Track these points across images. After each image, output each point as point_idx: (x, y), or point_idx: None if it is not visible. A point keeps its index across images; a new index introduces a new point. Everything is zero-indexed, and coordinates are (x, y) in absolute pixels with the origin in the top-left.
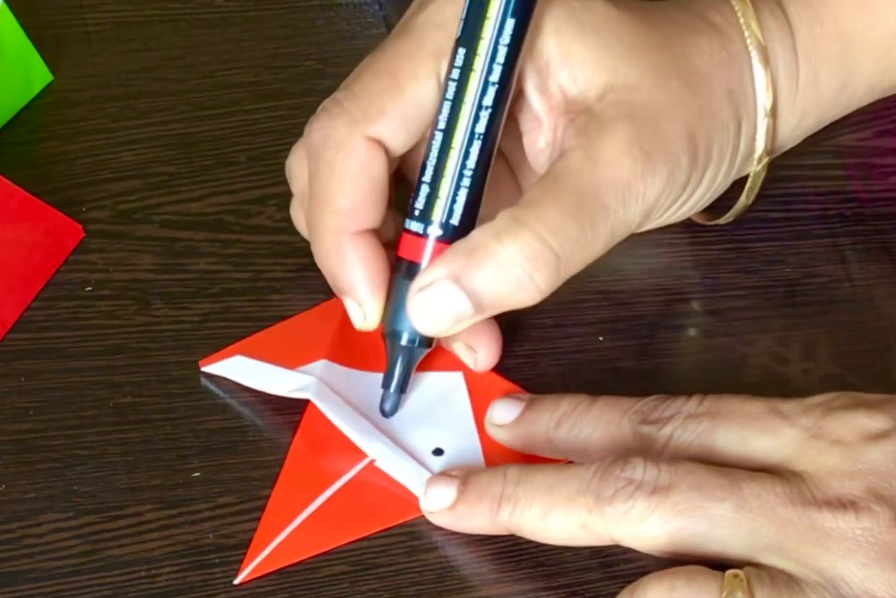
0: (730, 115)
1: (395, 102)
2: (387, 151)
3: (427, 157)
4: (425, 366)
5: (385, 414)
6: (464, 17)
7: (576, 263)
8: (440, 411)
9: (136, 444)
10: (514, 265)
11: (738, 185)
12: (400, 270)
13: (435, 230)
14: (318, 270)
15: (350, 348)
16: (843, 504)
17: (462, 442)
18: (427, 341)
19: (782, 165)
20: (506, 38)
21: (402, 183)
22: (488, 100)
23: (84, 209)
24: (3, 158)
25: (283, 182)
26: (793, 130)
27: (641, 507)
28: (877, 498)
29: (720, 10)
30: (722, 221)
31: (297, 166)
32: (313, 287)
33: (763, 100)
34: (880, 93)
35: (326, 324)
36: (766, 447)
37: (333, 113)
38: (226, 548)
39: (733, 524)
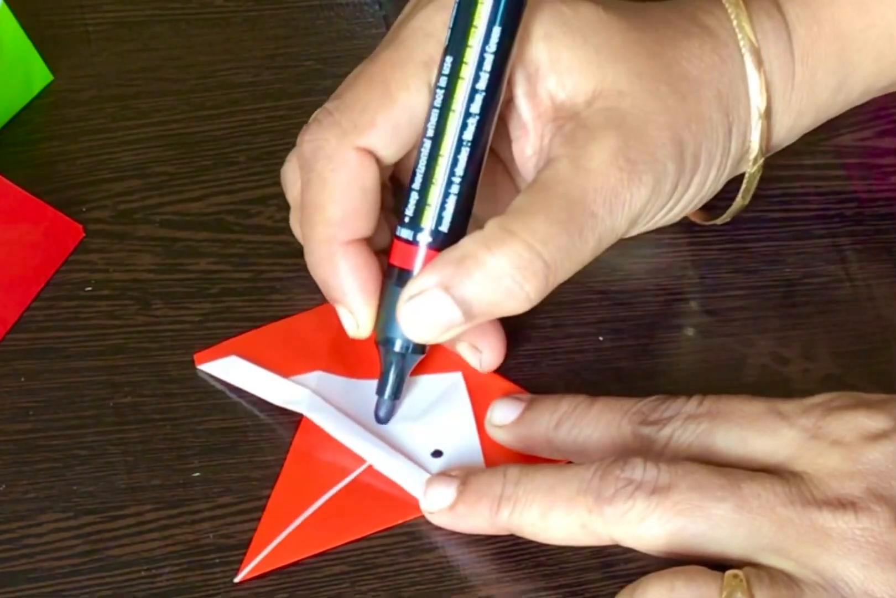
0: (719, 119)
1: (386, 112)
2: (378, 161)
3: (416, 164)
4: (424, 368)
5: (380, 421)
6: (451, 25)
7: (564, 270)
8: (440, 413)
9: (136, 444)
10: (503, 275)
11: (735, 184)
12: (392, 278)
13: (425, 237)
14: None
15: (346, 356)
16: (842, 504)
17: (462, 443)
18: (420, 348)
19: (782, 165)
20: (492, 46)
21: (400, 188)
22: (475, 107)
23: (84, 209)
24: (3, 158)
25: None
26: (788, 130)
27: (641, 507)
28: (877, 498)
29: (712, 13)
30: (719, 221)
31: (290, 176)
32: (313, 287)
33: (757, 102)
34: (876, 92)
35: (323, 329)
36: (765, 448)
37: (324, 124)
38: (226, 548)
39: (733, 524)
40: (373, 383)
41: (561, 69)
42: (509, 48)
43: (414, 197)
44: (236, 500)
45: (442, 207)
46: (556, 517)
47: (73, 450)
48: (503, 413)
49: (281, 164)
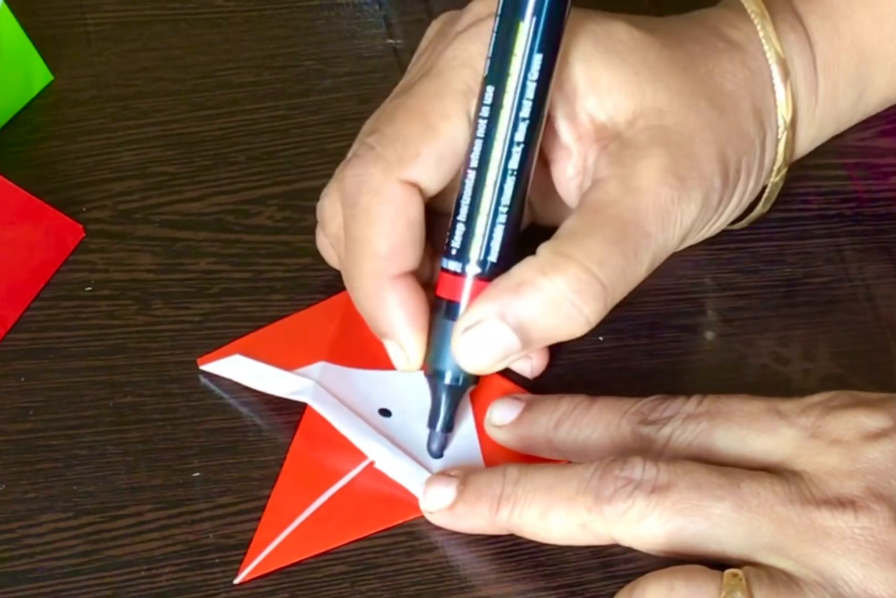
0: (756, 132)
1: (429, 143)
2: (421, 193)
3: (461, 195)
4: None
5: (433, 455)
6: (490, 54)
7: (621, 291)
8: None
9: (136, 444)
10: (562, 299)
11: None
12: (440, 310)
13: (473, 269)
14: (318, 271)
15: (349, 347)
16: (842, 503)
17: (462, 442)
18: (472, 379)
19: None
20: (534, 74)
21: (434, 218)
22: (520, 136)
23: (84, 209)
24: (3, 158)
25: (283, 182)
26: (811, 141)
27: (640, 506)
28: (876, 497)
29: (738, 27)
30: (736, 227)
31: (330, 210)
32: (313, 287)
33: (783, 113)
34: (889, 102)
35: (325, 323)
36: (765, 447)
37: (367, 158)
38: (226, 548)
39: (732, 523)
40: (377, 373)
41: (600, 90)
42: (550, 74)
43: (460, 228)
44: (236, 500)
45: (490, 237)
46: (556, 516)
47: (73, 450)
48: (502, 413)
49: (281, 164)
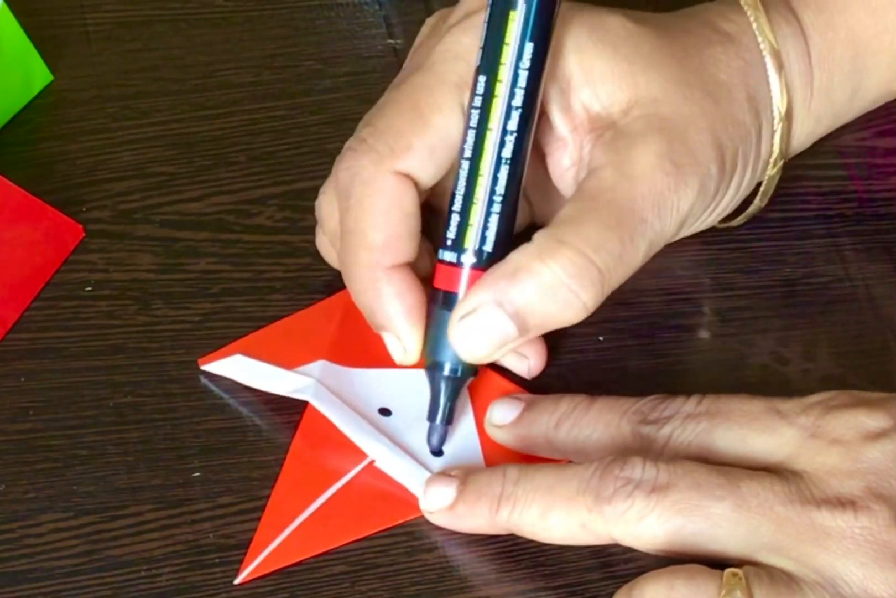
0: (752, 121)
1: (421, 135)
2: (416, 185)
3: (455, 186)
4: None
5: (433, 448)
6: (482, 45)
7: (618, 277)
8: None
9: (136, 444)
10: (559, 284)
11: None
12: (437, 301)
13: (469, 259)
14: (318, 271)
15: (349, 346)
16: (842, 503)
17: (462, 442)
18: (471, 369)
19: (782, 165)
20: (525, 63)
21: (432, 212)
22: (513, 124)
23: (84, 209)
24: (3, 158)
25: (283, 182)
26: (807, 135)
27: (640, 506)
28: (876, 497)
29: (731, 19)
30: (735, 223)
31: (327, 207)
32: (313, 287)
33: (778, 104)
34: (888, 96)
35: (326, 322)
36: (765, 447)
37: (360, 151)
38: (226, 548)
39: (732, 522)
40: (377, 372)
41: (594, 81)
42: (542, 63)
43: (455, 219)
44: (236, 500)
45: (485, 227)
46: (556, 516)
47: (73, 450)
48: (502, 413)
49: (281, 164)
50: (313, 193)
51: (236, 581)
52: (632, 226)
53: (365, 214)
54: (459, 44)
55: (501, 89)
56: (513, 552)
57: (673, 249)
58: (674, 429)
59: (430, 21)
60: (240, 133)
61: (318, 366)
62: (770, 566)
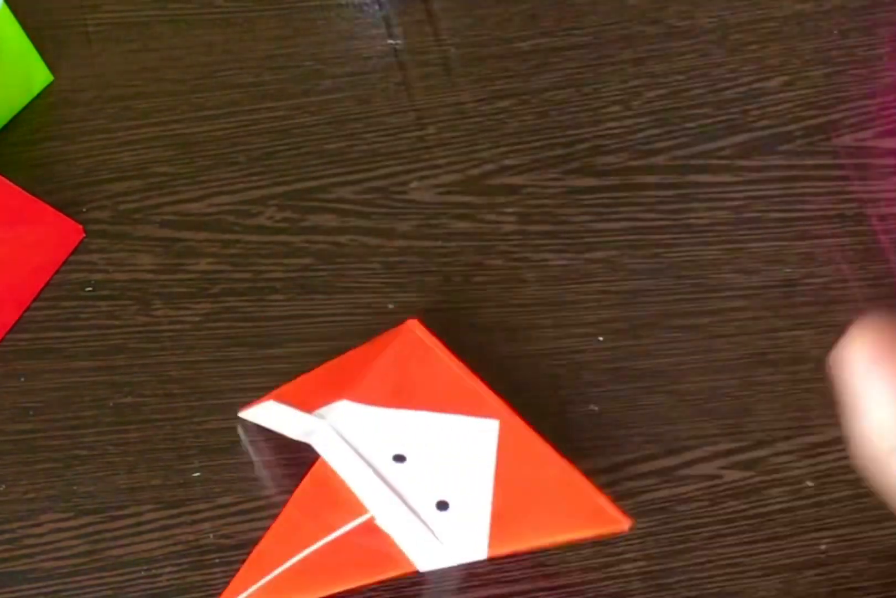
0: None
1: None
2: None
3: None
4: (460, 408)
5: None
6: None
7: None
8: (460, 458)
9: (136, 444)
10: None
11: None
12: None
13: None
14: (318, 271)
15: (379, 385)
16: None
17: (472, 497)
18: None
19: (782, 165)
20: None
21: None
22: None
23: (84, 209)
24: (3, 158)
25: (283, 182)
26: None
27: None
28: None
29: None
30: None
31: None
32: (313, 287)
33: None
34: None
35: (361, 364)
36: None
37: None
38: (226, 548)
39: None
40: (397, 413)
41: None
42: None
43: None
44: (236, 500)
45: None
46: None
47: (73, 450)
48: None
49: (281, 164)
50: (313, 193)
51: None
52: None
53: None
54: None
55: None
56: (513, 552)
57: (673, 249)
58: None
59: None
60: (240, 133)
61: (338, 406)
62: None
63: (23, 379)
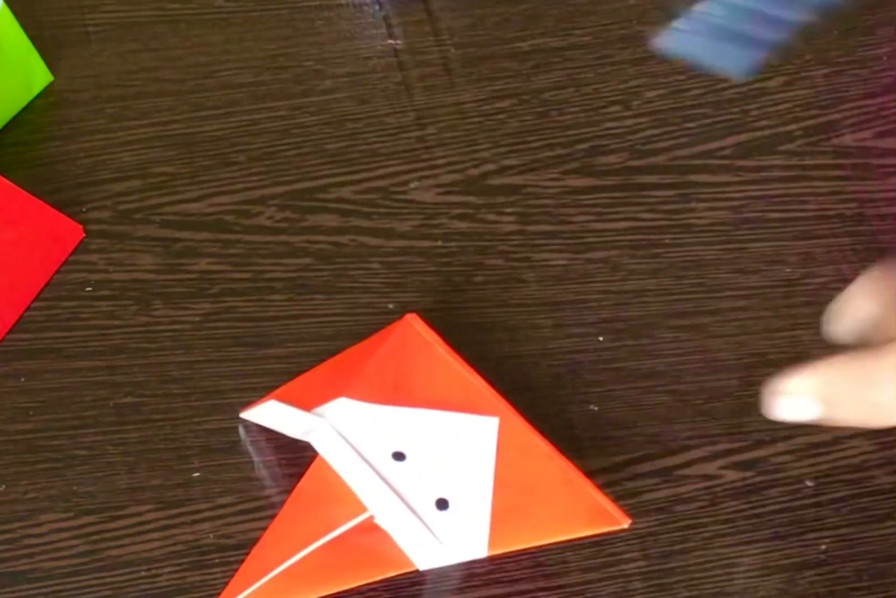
0: None
1: None
2: None
3: None
4: (461, 406)
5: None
6: None
7: None
8: (460, 456)
9: (136, 444)
10: None
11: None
12: None
13: None
14: (318, 271)
15: (378, 382)
16: None
17: (472, 495)
18: None
19: (782, 165)
20: None
21: None
22: None
23: (84, 209)
24: (3, 158)
25: (283, 182)
26: None
27: None
28: None
29: None
30: None
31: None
32: (313, 287)
33: None
34: None
35: (360, 360)
36: None
37: None
38: (226, 548)
39: None
40: (396, 410)
41: None
42: None
43: None
44: (236, 500)
45: None
46: None
47: (73, 450)
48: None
49: (281, 164)
50: (313, 193)
51: None
52: None
53: None
54: None
55: None
56: (513, 551)
57: (674, 249)
58: None
59: None
60: (240, 133)
61: (336, 404)
62: None
63: (23, 379)
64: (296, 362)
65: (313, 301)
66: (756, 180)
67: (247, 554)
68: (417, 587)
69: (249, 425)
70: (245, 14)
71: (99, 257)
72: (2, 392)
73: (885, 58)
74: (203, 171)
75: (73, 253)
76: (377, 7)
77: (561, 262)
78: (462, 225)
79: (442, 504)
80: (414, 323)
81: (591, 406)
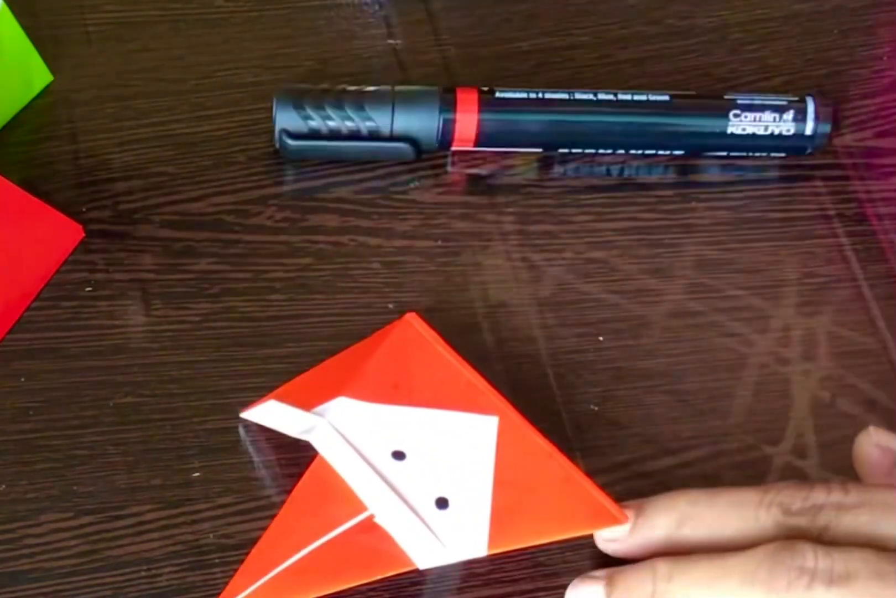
0: None
1: None
2: None
3: None
4: (460, 405)
5: None
6: None
7: None
8: (459, 455)
9: (136, 444)
10: None
11: None
12: None
13: None
14: (318, 271)
15: (377, 381)
16: None
17: (472, 495)
18: None
19: (782, 165)
20: None
21: None
22: None
23: (84, 209)
24: (3, 158)
25: (283, 182)
26: None
27: None
28: None
29: None
30: None
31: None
32: (313, 287)
33: None
34: None
35: (360, 359)
36: None
37: None
38: (226, 548)
39: None
40: (396, 409)
41: None
42: None
43: None
44: (236, 500)
45: None
46: None
47: (73, 450)
48: (614, 528)
49: (281, 164)
50: (313, 192)
51: None
52: None
53: None
54: None
55: None
56: (513, 551)
57: (673, 249)
58: (829, 520)
59: None
60: (240, 133)
61: (336, 403)
62: None
63: (23, 379)
64: (296, 362)
65: (313, 301)
66: (756, 180)
67: (247, 554)
68: (418, 587)
69: (249, 425)
70: (245, 14)
71: (99, 257)
72: (2, 392)
73: (885, 58)
74: (203, 171)
75: (73, 253)
76: (377, 7)
77: (561, 262)
78: (462, 225)
79: (442, 503)
80: (414, 323)
81: (591, 406)
